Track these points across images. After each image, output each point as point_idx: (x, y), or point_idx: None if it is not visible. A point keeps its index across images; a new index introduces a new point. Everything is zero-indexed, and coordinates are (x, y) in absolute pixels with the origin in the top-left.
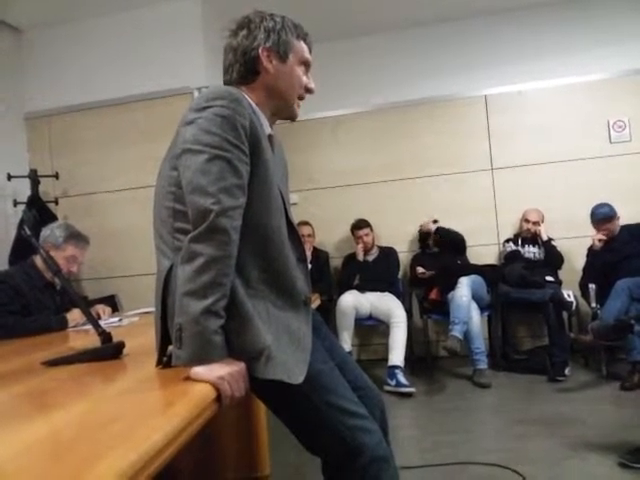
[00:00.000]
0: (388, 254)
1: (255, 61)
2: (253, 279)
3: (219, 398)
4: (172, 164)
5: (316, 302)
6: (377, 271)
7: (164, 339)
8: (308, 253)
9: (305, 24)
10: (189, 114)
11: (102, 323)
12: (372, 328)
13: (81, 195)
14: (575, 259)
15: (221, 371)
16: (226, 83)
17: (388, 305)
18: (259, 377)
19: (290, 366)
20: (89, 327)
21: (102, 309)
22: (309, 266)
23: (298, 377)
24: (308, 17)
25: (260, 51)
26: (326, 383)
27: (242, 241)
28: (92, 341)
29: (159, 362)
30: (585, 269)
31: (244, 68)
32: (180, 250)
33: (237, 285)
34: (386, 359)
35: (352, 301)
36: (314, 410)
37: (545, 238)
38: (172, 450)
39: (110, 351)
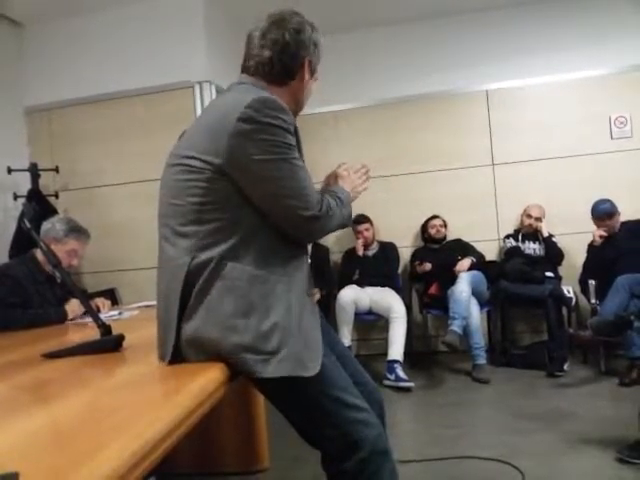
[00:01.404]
0: (388, 249)
1: (297, 68)
2: (267, 270)
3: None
4: (204, 160)
5: (316, 297)
6: (377, 266)
7: (178, 334)
8: (308, 247)
9: (308, 17)
10: (239, 124)
11: (102, 316)
12: (371, 323)
13: (81, 189)
14: (575, 255)
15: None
16: (252, 74)
17: (388, 300)
18: (270, 377)
19: (302, 359)
20: (89, 320)
21: (102, 302)
22: (309, 261)
23: (312, 369)
24: (308, 10)
25: (306, 60)
26: (327, 376)
27: (267, 235)
28: (92, 334)
29: (171, 357)
30: (585, 265)
31: (284, 69)
32: (207, 242)
33: (257, 276)
34: (385, 354)
35: (352, 296)
36: (315, 403)
37: (546, 234)
38: (172, 441)
39: (110, 344)
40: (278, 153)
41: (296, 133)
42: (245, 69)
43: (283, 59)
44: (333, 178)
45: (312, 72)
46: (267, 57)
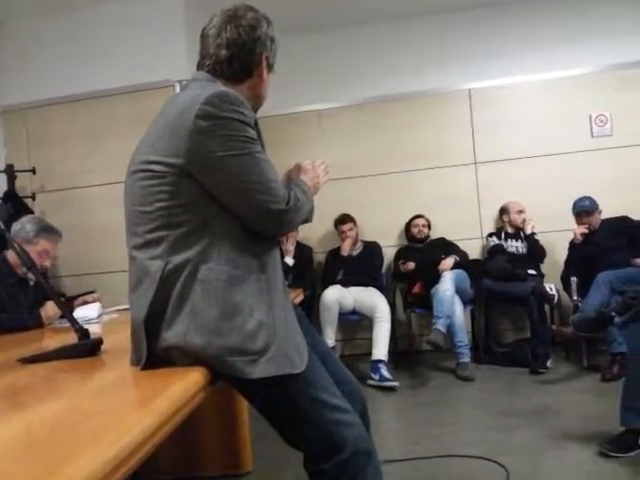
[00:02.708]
0: (372, 249)
1: (255, 64)
2: (243, 269)
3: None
4: (165, 163)
5: (299, 297)
6: (361, 266)
7: (150, 340)
8: (291, 248)
9: (291, 16)
10: (198, 121)
11: (79, 317)
12: (356, 323)
13: (59, 190)
14: (557, 252)
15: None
16: (209, 72)
17: (372, 300)
18: (262, 377)
19: (289, 356)
20: (66, 323)
21: (91, 297)
22: (292, 261)
23: (300, 365)
24: (295, 9)
25: (263, 57)
26: (309, 376)
27: (238, 233)
28: (69, 338)
29: (145, 364)
30: (567, 262)
31: (241, 67)
32: (178, 246)
33: (234, 277)
34: (370, 354)
35: (336, 296)
36: (296, 403)
37: (529, 231)
38: (150, 447)
39: (87, 348)
40: (241, 148)
41: (257, 127)
42: (201, 66)
43: (241, 58)
44: (295, 172)
45: (270, 67)
46: (224, 56)
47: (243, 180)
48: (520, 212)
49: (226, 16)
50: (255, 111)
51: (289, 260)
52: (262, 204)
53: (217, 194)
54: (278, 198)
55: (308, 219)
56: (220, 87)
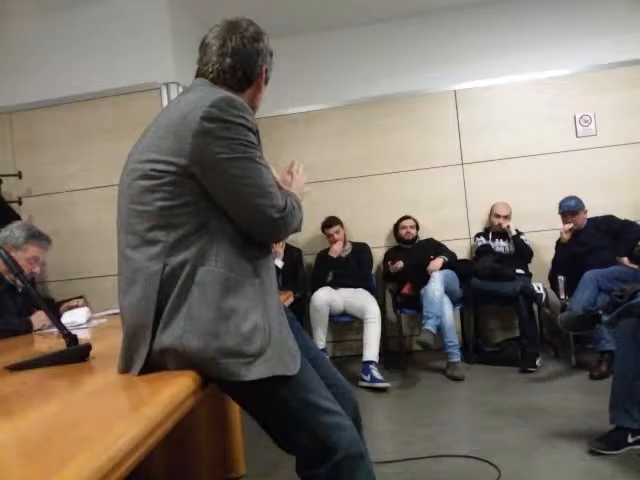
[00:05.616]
0: (361, 250)
1: (256, 75)
2: (239, 272)
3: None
4: (168, 162)
5: (289, 299)
6: (350, 267)
7: (151, 345)
8: (280, 250)
9: (277, 18)
10: (204, 123)
11: (67, 322)
12: (346, 324)
13: (46, 194)
14: (544, 252)
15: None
16: (211, 79)
17: (362, 301)
18: (256, 378)
19: (284, 358)
20: (55, 330)
21: (76, 302)
22: (282, 263)
23: (294, 368)
24: (281, 11)
25: (264, 69)
26: (300, 380)
27: (234, 237)
28: (58, 344)
29: (139, 369)
30: (554, 261)
31: (244, 76)
32: (176, 247)
33: (229, 279)
34: (361, 355)
35: (326, 298)
36: (287, 407)
37: (513, 233)
38: (141, 452)
39: (76, 354)
40: (243, 152)
41: (257, 134)
42: (202, 74)
43: (244, 68)
44: (284, 184)
45: (267, 80)
46: (228, 65)
47: (242, 183)
48: (498, 216)
49: (229, 27)
50: None
51: (279, 262)
52: (260, 208)
53: (216, 196)
54: (275, 203)
55: (298, 229)
56: (226, 92)
